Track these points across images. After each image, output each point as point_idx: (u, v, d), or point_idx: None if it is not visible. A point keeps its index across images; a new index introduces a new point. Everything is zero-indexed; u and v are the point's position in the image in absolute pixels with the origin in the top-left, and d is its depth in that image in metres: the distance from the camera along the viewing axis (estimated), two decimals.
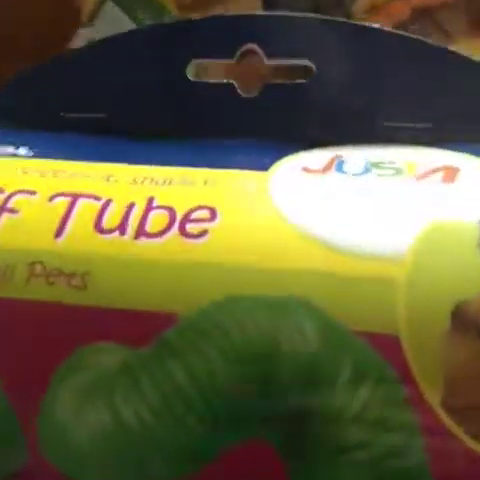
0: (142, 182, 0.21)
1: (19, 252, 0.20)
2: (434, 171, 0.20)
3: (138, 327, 0.19)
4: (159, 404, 0.18)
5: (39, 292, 0.19)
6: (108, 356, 0.19)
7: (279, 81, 0.23)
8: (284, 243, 0.19)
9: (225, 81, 0.23)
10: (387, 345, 0.18)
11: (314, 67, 0.23)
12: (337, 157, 0.21)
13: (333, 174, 0.20)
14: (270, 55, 0.23)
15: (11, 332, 0.19)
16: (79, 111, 0.24)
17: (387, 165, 0.21)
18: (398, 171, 0.20)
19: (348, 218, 0.19)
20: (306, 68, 0.23)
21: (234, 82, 0.23)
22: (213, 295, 0.18)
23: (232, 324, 0.18)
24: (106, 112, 0.24)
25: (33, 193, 0.21)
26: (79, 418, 0.19)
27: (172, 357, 0.18)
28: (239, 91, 0.23)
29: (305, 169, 0.21)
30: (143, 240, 0.19)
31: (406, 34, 0.23)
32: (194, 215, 0.20)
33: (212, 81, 0.23)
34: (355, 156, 0.21)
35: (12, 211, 0.20)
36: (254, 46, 0.23)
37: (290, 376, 0.18)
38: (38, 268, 0.19)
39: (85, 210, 0.20)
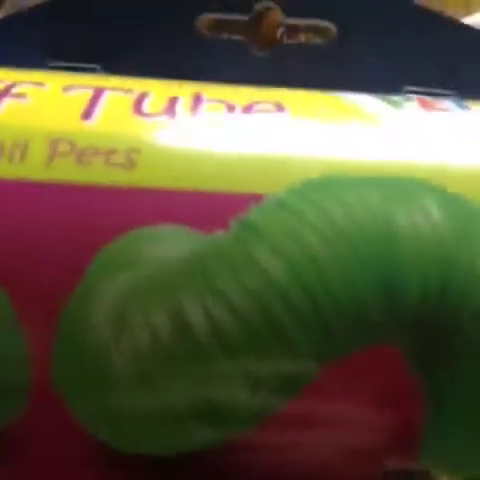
0: (180, 85, 0.17)
1: (33, 129, 0.15)
2: None
3: (209, 209, 0.14)
4: (245, 307, 0.14)
5: (66, 173, 0.14)
6: (168, 244, 0.14)
7: (294, 41, 0.21)
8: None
9: (238, 38, 0.21)
10: None
11: (335, 29, 0.21)
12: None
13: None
14: (288, 14, 0.21)
15: (23, 223, 0.14)
16: (68, 59, 0.20)
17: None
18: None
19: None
20: (326, 29, 0.21)
21: (247, 39, 0.21)
22: (308, 173, 0.15)
23: (334, 205, 0.14)
24: (102, 63, 0.20)
25: (41, 84, 0.16)
26: (125, 329, 0.13)
27: (259, 242, 0.14)
28: (252, 49, 0.21)
29: None
30: (201, 118, 0.15)
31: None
32: (257, 107, 0.16)
33: (224, 37, 0.21)
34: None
35: (18, 96, 0.16)
36: (271, 3, 0.21)
37: (412, 266, 0.14)
38: (63, 146, 0.15)
39: (116, 100, 0.16)
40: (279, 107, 0.16)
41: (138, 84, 0.17)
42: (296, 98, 0.17)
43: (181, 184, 0.14)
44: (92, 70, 0.20)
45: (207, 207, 0.14)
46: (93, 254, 0.14)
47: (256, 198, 0.14)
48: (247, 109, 0.16)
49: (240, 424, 0.14)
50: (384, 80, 0.21)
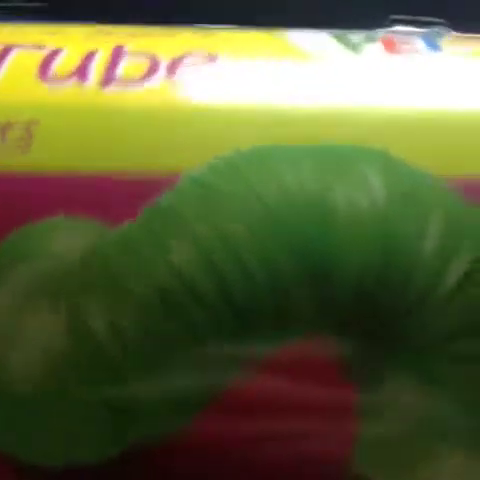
0: (106, 34, 0.15)
1: None
2: None
3: (117, 194, 0.12)
4: (153, 307, 0.12)
5: None
6: (68, 237, 0.12)
7: None
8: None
9: None
10: None
11: None
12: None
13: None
14: None
15: None
16: None
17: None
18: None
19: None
20: None
21: None
22: (229, 145, 0.13)
23: (259, 178, 0.12)
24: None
25: None
26: (22, 333, 0.12)
27: (170, 231, 0.12)
28: None
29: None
30: (114, 88, 0.13)
31: None
32: (186, 61, 0.14)
33: None
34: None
35: None
36: None
37: (350, 251, 0.12)
38: None
39: (22, 60, 0.14)
40: (211, 57, 0.14)
41: (56, 37, 0.15)
42: (233, 45, 0.14)
43: (86, 165, 0.12)
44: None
45: (115, 192, 0.12)
46: None
47: (171, 179, 0.12)
48: (173, 65, 0.14)
49: (140, 431, 0.12)
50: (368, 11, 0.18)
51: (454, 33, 0.18)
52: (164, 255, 0.12)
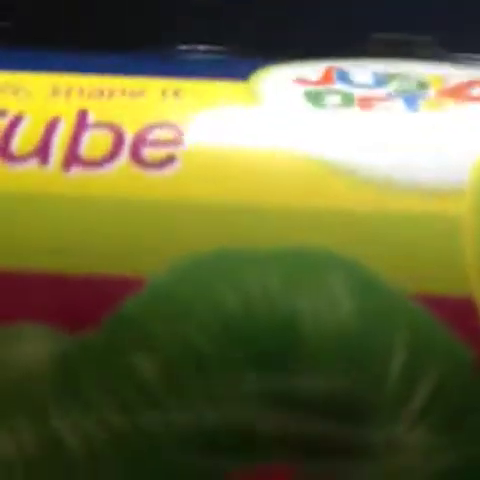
0: (67, 93, 0.14)
1: None
2: (470, 85, 0.15)
3: (77, 299, 0.12)
4: (117, 420, 0.12)
5: None
6: (27, 348, 0.12)
7: None
8: (296, 172, 0.13)
9: None
10: (457, 312, 0.12)
11: None
12: (334, 68, 0.15)
13: (336, 85, 0.15)
14: None
15: None
16: None
17: (404, 76, 0.15)
18: (421, 84, 0.15)
19: (380, 141, 0.13)
20: None
21: None
22: (192, 248, 0.12)
23: (222, 289, 0.12)
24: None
25: None
26: None
27: (134, 343, 0.12)
28: None
29: (299, 80, 0.15)
30: (77, 170, 0.13)
31: None
32: (151, 136, 0.13)
33: None
34: (357, 67, 0.16)
35: None
36: None
37: (314, 371, 0.12)
38: None
39: None
40: (177, 131, 0.13)
41: (19, 98, 0.14)
42: (203, 110, 0.14)
43: (44, 266, 0.12)
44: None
45: (76, 298, 0.12)
46: None
47: (135, 284, 0.12)
48: (137, 143, 0.13)
49: None
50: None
51: (440, 50, 0.17)
52: (129, 370, 0.12)
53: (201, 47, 0.17)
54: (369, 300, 0.12)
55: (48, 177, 0.13)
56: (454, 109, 0.14)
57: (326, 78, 0.15)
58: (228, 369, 0.12)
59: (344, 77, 0.15)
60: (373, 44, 0.17)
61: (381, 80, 0.15)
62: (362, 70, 0.15)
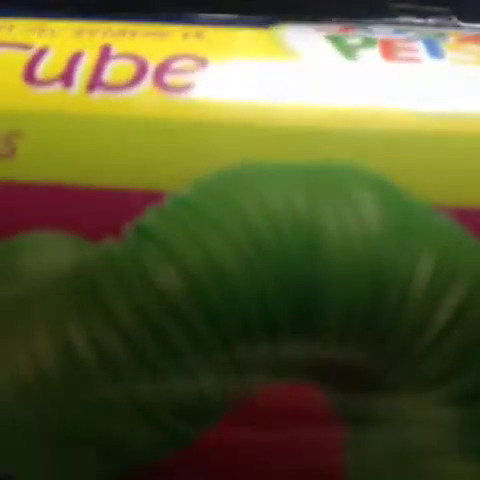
0: (91, 33, 0.14)
1: None
2: None
3: (100, 211, 0.12)
4: (138, 331, 0.12)
5: None
6: (52, 256, 0.12)
7: None
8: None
9: None
10: None
11: None
12: (352, 25, 0.16)
13: (356, 32, 0.15)
14: None
15: None
16: None
17: (421, 30, 0.15)
18: (440, 34, 0.15)
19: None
20: None
21: None
22: (215, 164, 0.12)
23: (248, 203, 0.12)
24: None
25: None
26: (3, 360, 0.12)
27: (155, 252, 0.12)
28: None
29: (320, 29, 0.15)
30: (101, 93, 0.13)
31: None
32: (174, 65, 0.13)
33: None
34: (374, 25, 0.16)
35: None
36: None
37: (338, 285, 0.12)
38: None
39: (7, 60, 0.13)
40: (200, 62, 0.13)
41: (43, 36, 0.14)
42: (223, 48, 0.14)
43: (68, 179, 0.12)
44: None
45: (98, 209, 0.12)
46: None
47: (157, 197, 0.12)
48: (160, 70, 0.13)
49: (133, 458, 0.12)
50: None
51: (459, 23, 0.17)
52: (149, 279, 0.12)
53: (220, 15, 0.17)
54: (395, 214, 0.12)
55: (72, 98, 0.13)
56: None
57: (345, 29, 0.15)
58: (253, 283, 0.12)
59: (363, 28, 0.15)
60: (390, 13, 0.17)
61: (400, 30, 0.15)
62: (380, 27, 0.15)
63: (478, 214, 0.12)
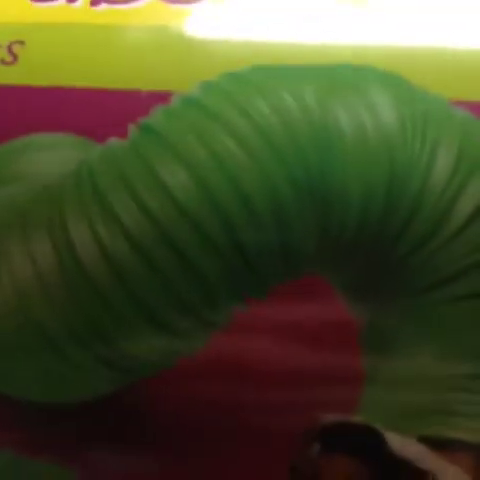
0: None
1: None
2: None
3: (104, 111, 0.12)
4: (141, 229, 0.11)
5: None
6: (55, 155, 0.12)
7: None
8: None
9: None
10: None
11: None
12: None
13: None
14: None
15: None
16: None
17: None
18: None
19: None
20: None
21: None
22: (223, 68, 0.12)
23: (258, 101, 0.11)
24: None
25: None
26: (2, 261, 0.11)
27: (161, 151, 0.11)
28: None
29: None
30: (104, 6, 0.13)
31: None
32: None
33: None
34: None
35: None
36: None
37: (354, 178, 0.11)
38: None
39: None
40: None
41: None
42: None
43: (72, 82, 0.12)
44: None
45: (102, 109, 0.12)
46: None
47: (161, 97, 0.12)
48: None
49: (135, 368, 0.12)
50: None
51: None
52: (153, 176, 0.11)
53: None
54: (411, 107, 0.11)
55: (76, 10, 0.12)
56: None
57: None
58: (265, 182, 0.11)
59: None
60: None
61: None
62: None
63: None
